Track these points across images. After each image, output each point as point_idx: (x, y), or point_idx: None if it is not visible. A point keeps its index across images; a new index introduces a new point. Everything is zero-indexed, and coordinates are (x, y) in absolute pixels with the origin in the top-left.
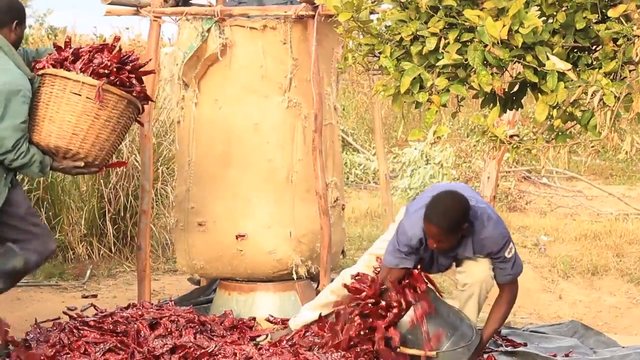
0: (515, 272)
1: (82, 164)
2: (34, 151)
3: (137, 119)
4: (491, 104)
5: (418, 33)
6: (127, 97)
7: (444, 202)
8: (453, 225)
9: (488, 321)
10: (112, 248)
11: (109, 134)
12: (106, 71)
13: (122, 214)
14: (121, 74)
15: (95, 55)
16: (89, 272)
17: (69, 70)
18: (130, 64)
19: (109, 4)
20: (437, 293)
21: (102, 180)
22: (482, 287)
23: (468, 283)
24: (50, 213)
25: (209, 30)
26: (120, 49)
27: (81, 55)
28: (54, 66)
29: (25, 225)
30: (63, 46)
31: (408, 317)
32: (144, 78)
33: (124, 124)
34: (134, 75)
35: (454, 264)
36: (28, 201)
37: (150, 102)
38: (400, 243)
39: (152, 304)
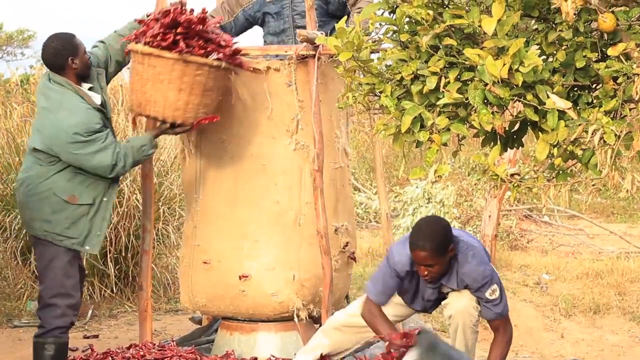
0: (498, 312)
1: (168, 125)
2: (127, 146)
3: (241, 66)
4: (492, 143)
5: (418, 72)
6: (181, 58)
7: (425, 225)
8: (439, 245)
9: None
10: (114, 288)
11: (178, 94)
12: (157, 39)
13: (124, 254)
14: (167, 38)
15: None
16: (90, 312)
17: (137, 42)
18: (180, 26)
19: None
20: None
21: None
22: (465, 317)
23: (451, 314)
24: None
25: None
26: (168, 14)
27: (150, 26)
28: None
29: None
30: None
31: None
32: None
33: (193, 83)
34: (180, 37)
35: (441, 302)
36: None
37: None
38: (386, 267)
39: (154, 344)
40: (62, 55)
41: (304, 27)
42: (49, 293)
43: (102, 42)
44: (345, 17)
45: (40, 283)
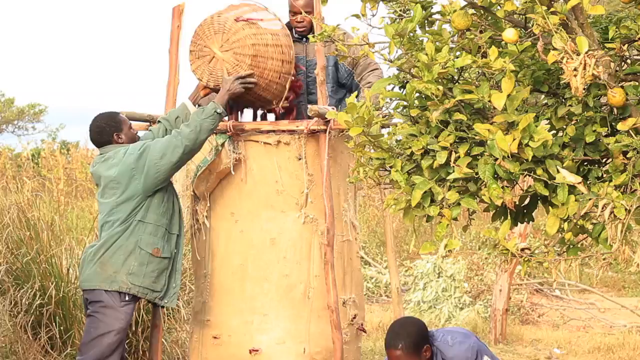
0: None
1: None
2: (190, 127)
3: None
4: (502, 217)
5: (429, 147)
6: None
7: (398, 325)
8: (410, 345)
9: None
10: None
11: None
12: None
13: (134, 328)
14: None
15: None
16: None
17: None
18: None
19: None
20: None
21: None
22: None
23: None
24: (62, 328)
25: (222, 144)
26: None
27: None
28: None
29: None
30: None
31: None
32: None
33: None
34: None
35: None
36: None
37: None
38: None
39: None
40: (106, 132)
41: (315, 94)
42: None
43: (158, 121)
44: (356, 92)
45: (81, 352)
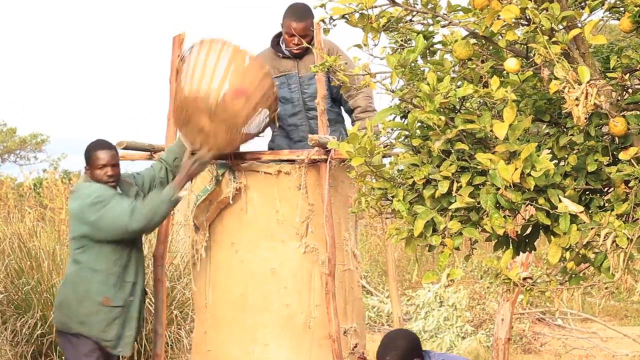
0: None
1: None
2: (149, 196)
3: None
4: (504, 247)
5: (430, 177)
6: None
7: (390, 335)
8: (399, 357)
9: None
10: None
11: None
12: None
13: (136, 358)
14: None
15: None
16: None
17: None
18: None
19: (124, 148)
20: None
21: None
22: None
23: None
24: (63, 357)
25: (223, 174)
26: None
27: None
28: None
29: None
30: None
31: None
32: None
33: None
34: None
35: None
36: None
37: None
38: None
39: None
40: (85, 159)
41: (314, 109)
42: None
43: (160, 159)
44: (358, 122)
45: None
